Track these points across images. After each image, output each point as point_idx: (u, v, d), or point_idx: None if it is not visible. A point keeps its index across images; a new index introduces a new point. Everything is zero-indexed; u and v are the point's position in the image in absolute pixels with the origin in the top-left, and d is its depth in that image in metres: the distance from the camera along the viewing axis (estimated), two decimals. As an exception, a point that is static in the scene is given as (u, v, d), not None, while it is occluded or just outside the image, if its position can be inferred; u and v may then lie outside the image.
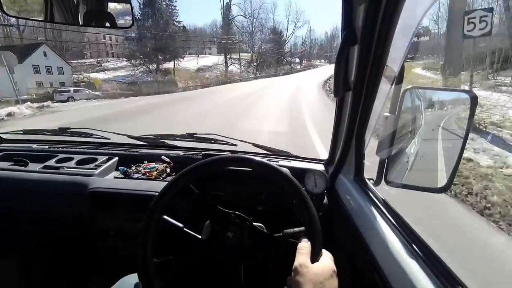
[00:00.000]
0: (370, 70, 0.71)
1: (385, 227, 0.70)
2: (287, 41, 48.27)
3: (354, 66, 0.76)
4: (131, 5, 0.87)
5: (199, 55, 38.59)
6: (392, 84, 0.72)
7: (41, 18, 0.81)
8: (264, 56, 39.02)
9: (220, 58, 34.88)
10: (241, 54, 38.48)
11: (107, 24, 0.84)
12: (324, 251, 0.62)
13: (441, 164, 0.77)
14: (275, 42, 43.68)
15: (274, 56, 41.77)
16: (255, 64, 36.19)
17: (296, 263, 0.56)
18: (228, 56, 33.91)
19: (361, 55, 0.71)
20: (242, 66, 35.49)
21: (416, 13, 0.56)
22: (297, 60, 54.20)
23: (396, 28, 0.60)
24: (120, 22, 0.86)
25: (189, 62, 33.85)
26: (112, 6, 0.88)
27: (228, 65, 33.95)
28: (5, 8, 0.76)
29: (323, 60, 66.41)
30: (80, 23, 0.83)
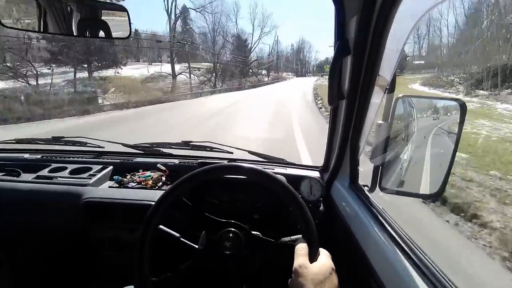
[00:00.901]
0: (363, 79, 0.73)
1: (381, 233, 0.71)
2: (253, 48, 40.96)
3: (348, 75, 0.78)
4: (127, 14, 0.88)
5: (152, 63, 29.89)
6: (384, 93, 0.73)
7: (35, 29, 0.81)
8: (225, 66, 31.86)
9: (180, 66, 26.84)
10: (203, 63, 30.77)
11: (102, 34, 0.85)
12: (322, 250, 0.63)
13: (433, 170, 0.78)
14: (239, 50, 36.57)
15: (238, 66, 34.36)
16: (214, 75, 28.77)
17: (295, 265, 0.57)
18: (186, 64, 25.67)
19: (354, 65, 0.73)
20: (197, 77, 27.65)
21: (407, 24, 0.58)
22: (264, 71, 47.09)
23: (387, 38, 0.61)
24: (116, 32, 0.86)
25: (139, 70, 24.79)
26: (107, 15, 0.89)
27: (180, 74, 25.81)
28: (1, 20, 0.77)
29: (290, 73, 62.53)
30: (74, 34, 0.83)
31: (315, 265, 0.57)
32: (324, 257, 0.60)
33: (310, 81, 38.96)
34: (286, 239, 0.77)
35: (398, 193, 0.83)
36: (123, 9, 0.94)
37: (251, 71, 39.65)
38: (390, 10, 0.55)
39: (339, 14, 0.72)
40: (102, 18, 0.88)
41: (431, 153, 0.79)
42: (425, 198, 0.77)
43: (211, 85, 27.75)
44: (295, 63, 66.07)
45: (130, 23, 0.89)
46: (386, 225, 0.73)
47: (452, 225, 2.35)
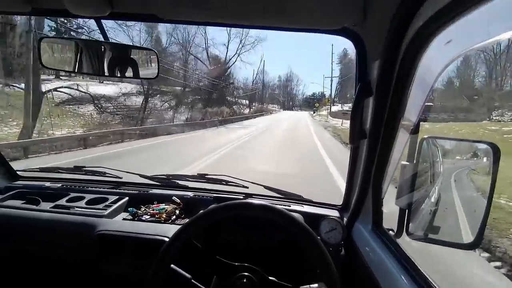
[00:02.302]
0: (387, 120, 0.72)
1: (410, 284, 0.65)
2: (229, 65, 27.95)
3: (370, 115, 0.77)
4: (157, 56, 0.94)
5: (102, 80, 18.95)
6: (409, 134, 0.72)
7: (71, 69, 0.88)
8: (194, 90, 22.45)
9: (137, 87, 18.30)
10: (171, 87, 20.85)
11: (131, 74, 0.91)
12: None
13: (467, 217, 0.73)
14: (213, 71, 25.26)
15: (207, 89, 23.50)
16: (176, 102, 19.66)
17: None
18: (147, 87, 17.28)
19: (376, 106, 0.72)
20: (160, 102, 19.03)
21: (433, 69, 0.58)
22: (246, 101, 35.98)
23: (413, 82, 0.61)
24: (144, 72, 0.92)
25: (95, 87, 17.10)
26: (137, 57, 0.95)
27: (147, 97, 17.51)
28: (43, 61, 0.84)
29: (276, 105, 57.50)
30: (106, 74, 0.89)
31: None
32: None
33: (302, 115, 35.32)
34: (305, 287, 0.72)
35: (428, 240, 0.77)
36: (154, 54, 1.01)
37: (228, 98, 28.18)
38: (416, 56, 0.55)
39: (360, 56, 0.73)
40: (132, 58, 0.96)
41: (463, 198, 0.74)
42: (459, 248, 0.70)
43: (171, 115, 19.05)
44: (282, 95, 61.74)
45: (158, 64, 0.94)
46: (417, 276, 0.67)
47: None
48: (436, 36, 0.48)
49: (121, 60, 0.89)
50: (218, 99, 25.35)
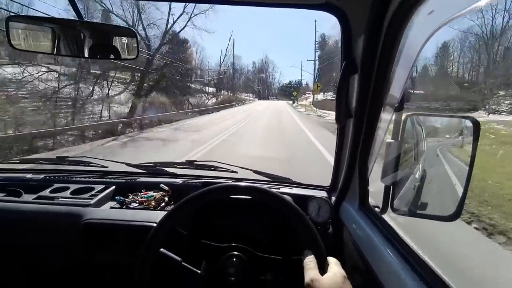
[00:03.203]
0: (371, 97, 0.73)
1: (395, 257, 0.67)
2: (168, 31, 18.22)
3: (355, 94, 0.77)
4: (136, 38, 0.90)
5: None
6: (394, 111, 0.73)
7: (48, 51, 0.84)
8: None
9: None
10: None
11: (112, 56, 0.87)
12: (330, 258, 0.61)
13: (447, 190, 0.75)
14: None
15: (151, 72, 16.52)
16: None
17: (306, 280, 0.56)
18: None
19: (361, 84, 0.72)
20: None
21: (416, 42, 0.58)
22: (210, 89, 27.69)
23: (396, 57, 0.62)
24: (125, 54, 0.88)
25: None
26: (118, 39, 0.91)
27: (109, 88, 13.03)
28: (13, 42, 0.79)
29: (250, 94, 50.87)
30: (86, 56, 0.85)
31: (327, 277, 0.56)
32: (335, 266, 0.59)
33: (281, 106, 29.10)
34: (295, 257, 0.73)
35: (411, 214, 0.80)
36: (133, 34, 0.97)
37: (189, 86, 20.89)
38: (399, 29, 0.55)
39: (345, 33, 0.73)
40: (113, 42, 0.91)
41: (444, 172, 0.77)
42: (440, 220, 0.73)
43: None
44: (257, 83, 54.54)
45: (138, 46, 0.91)
46: (401, 249, 0.69)
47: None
48: (419, 6, 0.48)
49: (98, 41, 0.85)
50: (170, 87, 18.18)
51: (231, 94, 34.88)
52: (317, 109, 24.39)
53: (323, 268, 0.58)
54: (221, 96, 30.39)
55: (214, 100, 27.15)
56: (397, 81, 0.66)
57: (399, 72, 0.64)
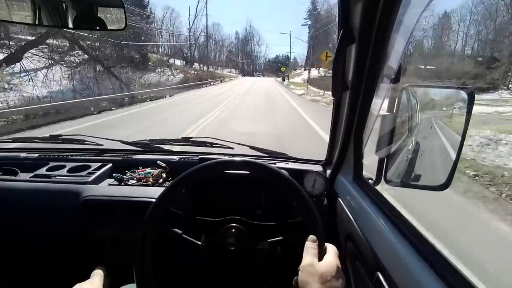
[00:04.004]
0: (368, 69, 0.71)
1: (388, 226, 0.70)
2: None
3: (352, 65, 0.76)
4: (123, 7, 0.85)
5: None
6: (390, 83, 0.72)
7: (29, 22, 0.79)
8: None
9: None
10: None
11: (97, 26, 0.82)
12: (330, 246, 0.63)
13: (439, 161, 0.77)
14: None
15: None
16: None
17: (303, 263, 0.58)
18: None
19: (359, 54, 0.71)
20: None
21: (413, 12, 0.56)
22: (180, 62, 21.06)
23: (393, 27, 0.60)
24: (111, 24, 0.84)
25: None
26: (103, 8, 0.86)
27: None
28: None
29: (233, 70, 43.12)
30: (70, 26, 0.81)
31: (322, 264, 0.58)
32: (331, 255, 0.61)
33: (271, 85, 22.56)
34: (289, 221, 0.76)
35: (404, 185, 0.82)
36: (119, 4, 0.91)
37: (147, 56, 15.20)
38: None
39: (342, 1, 0.70)
40: (99, 12, 0.86)
41: (437, 144, 0.78)
42: (431, 189, 0.75)
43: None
44: (241, 57, 44.62)
45: (125, 15, 0.86)
46: (393, 217, 0.72)
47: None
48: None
49: (82, 10, 0.80)
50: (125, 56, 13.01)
51: (205, 68, 25.39)
52: (322, 90, 18.50)
53: (321, 254, 0.61)
54: (192, 72, 22.48)
55: (182, 76, 20.47)
56: (394, 52, 0.64)
57: (396, 42, 0.62)
